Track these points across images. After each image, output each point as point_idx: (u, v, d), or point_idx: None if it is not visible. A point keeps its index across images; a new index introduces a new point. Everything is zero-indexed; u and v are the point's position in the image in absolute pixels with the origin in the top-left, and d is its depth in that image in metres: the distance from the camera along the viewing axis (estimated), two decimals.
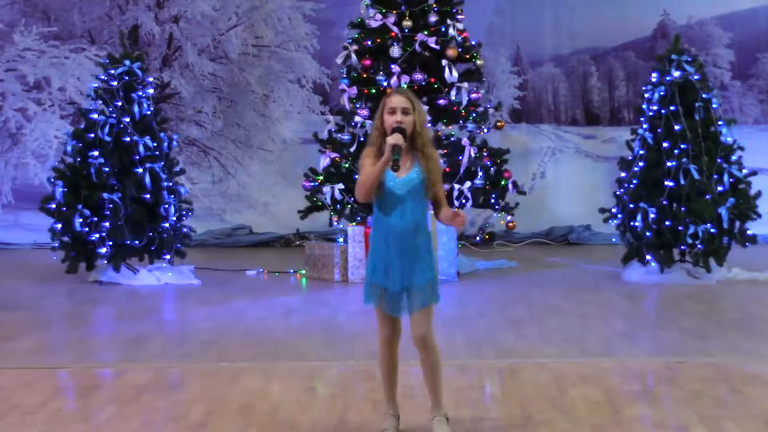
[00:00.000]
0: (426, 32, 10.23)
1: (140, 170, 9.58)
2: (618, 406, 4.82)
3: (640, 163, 9.48)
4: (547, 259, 11.80)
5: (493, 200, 10.34)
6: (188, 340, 6.93)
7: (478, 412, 4.75)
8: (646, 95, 9.71)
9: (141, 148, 9.62)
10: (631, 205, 9.48)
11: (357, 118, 10.13)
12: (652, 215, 9.21)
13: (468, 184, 9.97)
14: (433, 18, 10.27)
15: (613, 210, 9.87)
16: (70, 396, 5.31)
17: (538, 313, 7.76)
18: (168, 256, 9.91)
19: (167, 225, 9.78)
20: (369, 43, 10.39)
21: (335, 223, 10.49)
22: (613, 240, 10.40)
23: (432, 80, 10.25)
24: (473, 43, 10.62)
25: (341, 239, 10.00)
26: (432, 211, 4.37)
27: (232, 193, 14.36)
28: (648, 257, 9.46)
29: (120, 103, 9.67)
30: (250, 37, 13.05)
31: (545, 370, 5.62)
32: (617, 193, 9.85)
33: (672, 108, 9.34)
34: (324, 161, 10.30)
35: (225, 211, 14.35)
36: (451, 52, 10.17)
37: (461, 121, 10.45)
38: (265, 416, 4.70)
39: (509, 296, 8.73)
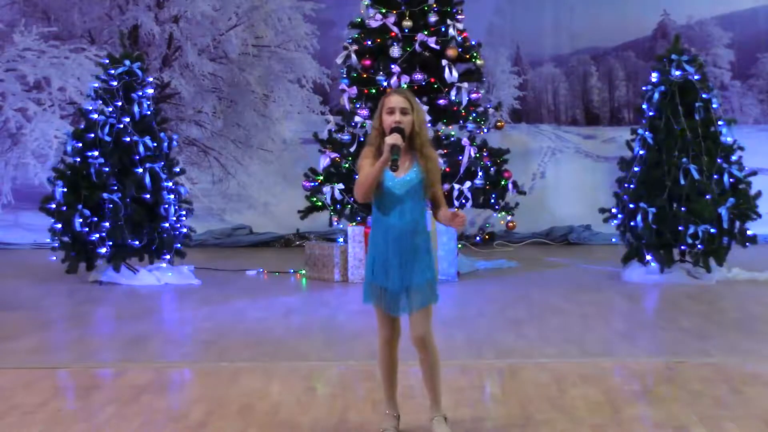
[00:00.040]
0: (426, 32, 10.23)
1: (140, 170, 9.59)
2: (618, 406, 4.82)
3: (640, 163, 9.48)
4: (547, 259, 11.81)
5: (493, 200, 10.34)
6: (188, 340, 6.94)
7: (478, 412, 4.75)
8: (646, 95, 9.71)
9: (141, 148, 9.62)
10: (631, 205, 9.48)
11: (357, 118, 10.13)
12: (652, 215, 9.20)
13: (468, 184, 9.97)
14: (433, 18, 10.27)
15: (613, 210, 9.87)
16: (70, 396, 5.31)
17: (538, 313, 7.76)
18: (168, 256, 9.91)
19: (167, 225, 9.78)
20: (369, 43, 10.39)
21: (335, 223, 10.49)
22: (613, 240, 10.40)
23: (432, 80, 10.25)
24: (473, 43, 10.62)
25: (341, 239, 10.00)
26: (431, 211, 4.37)
27: (232, 193, 14.37)
28: (648, 257, 9.46)
29: (120, 103, 9.67)
30: (250, 37, 13.05)
31: (545, 370, 5.62)
32: (617, 193, 9.85)
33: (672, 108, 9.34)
34: (324, 161, 10.31)
35: (225, 211, 14.35)
36: (451, 52, 10.18)
37: (461, 121, 10.45)
38: (265, 416, 4.70)
39: (509, 296, 8.73)
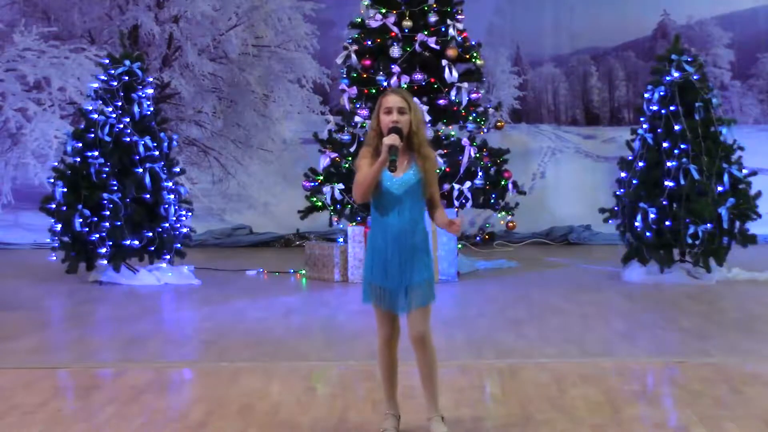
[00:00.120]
0: (426, 32, 10.23)
1: (140, 170, 9.59)
2: (618, 406, 4.82)
3: (640, 163, 9.48)
4: (547, 259, 11.81)
5: (493, 200, 10.34)
6: (188, 340, 6.94)
7: (478, 412, 4.75)
8: (646, 95, 9.71)
9: (141, 149, 9.63)
10: (631, 205, 9.48)
11: (357, 118, 10.13)
12: (652, 215, 9.21)
13: (468, 184, 9.97)
14: (433, 18, 10.27)
15: (614, 210, 9.87)
16: (70, 396, 5.30)
17: (538, 313, 7.76)
18: (168, 256, 9.91)
19: (167, 225, 9.78)
20: (369, 43, 10.39)
21: (335, 223, 10.49)
22: (613, 240, 10.39)
23: (432, 80, 10.25)
24: (473, 43, 10.62)
25: (341, 239, 10.00)
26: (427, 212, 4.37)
27: (232, 193, 14.38)
28: (648, 257, 9.46)
29: (120, 103, 9.68)
30: (250, 37, 13.05)
31: (545, 370, 5.62)
32: (617, 193, 9.85)
33: (672, 108, 9.34)
34: (324, 161, 10.31)
35: (225, 211, 14.36)
36: (451, 52, 10.17)
37: (461, 121, 10.46)
38: (265, 416, 4.70)
39: (509, 296, 8.73)
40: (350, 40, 10.58)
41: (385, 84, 10.03)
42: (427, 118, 9.93)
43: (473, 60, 10.54)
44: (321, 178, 10.27)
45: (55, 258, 9.89)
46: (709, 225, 9.03)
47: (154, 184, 9.66)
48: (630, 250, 9.73)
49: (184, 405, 4.99)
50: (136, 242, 9.58)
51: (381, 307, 4.23)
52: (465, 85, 10.27)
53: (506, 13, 14.87)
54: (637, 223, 9.33)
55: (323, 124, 11.00)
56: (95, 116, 9.61)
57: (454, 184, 9.95)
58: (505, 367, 5.74)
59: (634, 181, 9.48)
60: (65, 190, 9.52)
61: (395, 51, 10.16)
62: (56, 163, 9.94)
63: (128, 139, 9.60)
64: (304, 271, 10.31)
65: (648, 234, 9.25)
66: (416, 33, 10.22)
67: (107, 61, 9.94)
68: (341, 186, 9.97)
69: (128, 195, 9.48)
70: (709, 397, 4.97)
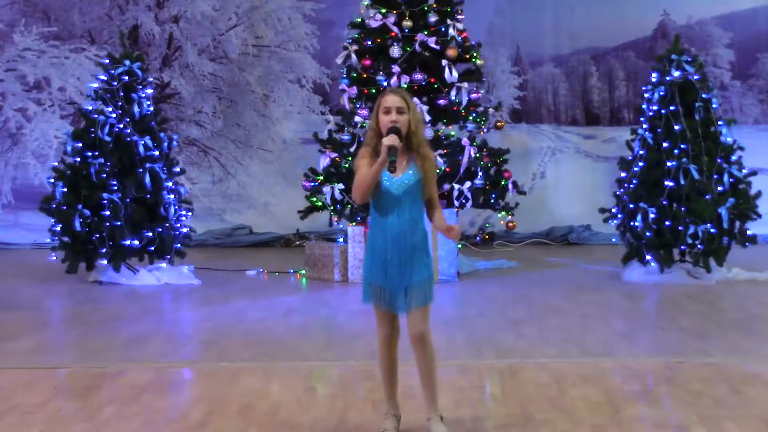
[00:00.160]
0: (426, 32, 10.23)
1: (140, 170, 9.58)
2: (618, 406, 4.82)
3: (640, 163, 9.48)
4: (547, 259, 11.81)
5: (493, 200, 10.34)
6: (188, 340, 6.94)
7: (478, 412, 4.75)
8: (646, 95, 9.71)
9: (141, 148, 9.63)
10: (631, 205, 9.48)
11: (357, 118, 10.13)
12: (652, 215, 9.21)
13: (468, 184, 9.97)
14: (433, 18, 10.27)
15: (613, 210, 9.87)
16: (70, 396, 5.30)
17: (538, 313, 7.76)
18: (168, 256, 9.91)
19: (167, 225, 9.78)
20: (369, 43, 10.39)
21: (335, 223, 10.49)
22: (613, 240, 10.40)
23: (432, 80, 10.25)
24: (473, 43, 10.62)
25: (341, 239, 10.00)
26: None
27: (232, 193, 14.37)
28: (648, 257, 9.46)
29: (120, 103, 9.67)
30: (250, 37, 13.05)
31: (545, 370, 5.62)
32: (617, 193, 9.85)
33: (672, 108, 9.34)
34: (324, 161, 10.31)
35: (225, 211, 14.35)
36: (451, 52, 10.17)
37: (461, 121, 10.45)
38: (265, 416, 4.70)
39: (509, 296, 8.73)
40: (350, 40, 10.58)
41: (385, 84, 10.03)
42: (427, 118, 9.93)
43: (473, 60, 10.54)
44: (321, 178, 10.27)
45: (55, 258, 9.89)
46: (709, 225, 9.03)
47: (154, 184, 9.66)
48: (630, 250, 9.73)
49: (184, 405, 4.99)
50: (136, 242, 9.59)
51: (381, 307, 4.23)
52: (465, 85, 10.27)
53: (506, 13, 14.86)
54: (637, 223, 9.33)
55: (323, 124, 11.00)
56: (95, 116, 9.60)
57: (454, 184, 9.95)
58: (505, 367, 5.74)
59: (634, 181, 9.49)
60: (65, 190, 9.52)
61: (395, 51, 10.15)
62: (56, 163, 9.94)
63: (128, 139, 9.60)
64: (304, 271, 10.31)
65: (648, 234, 9.25)
66: (416, 33, 10.22)
67: (107, 61, 9.94)
68: (341, 186, 9.97)
69: (128, 195, 9.48)
70: (709, 397, 4.97)
